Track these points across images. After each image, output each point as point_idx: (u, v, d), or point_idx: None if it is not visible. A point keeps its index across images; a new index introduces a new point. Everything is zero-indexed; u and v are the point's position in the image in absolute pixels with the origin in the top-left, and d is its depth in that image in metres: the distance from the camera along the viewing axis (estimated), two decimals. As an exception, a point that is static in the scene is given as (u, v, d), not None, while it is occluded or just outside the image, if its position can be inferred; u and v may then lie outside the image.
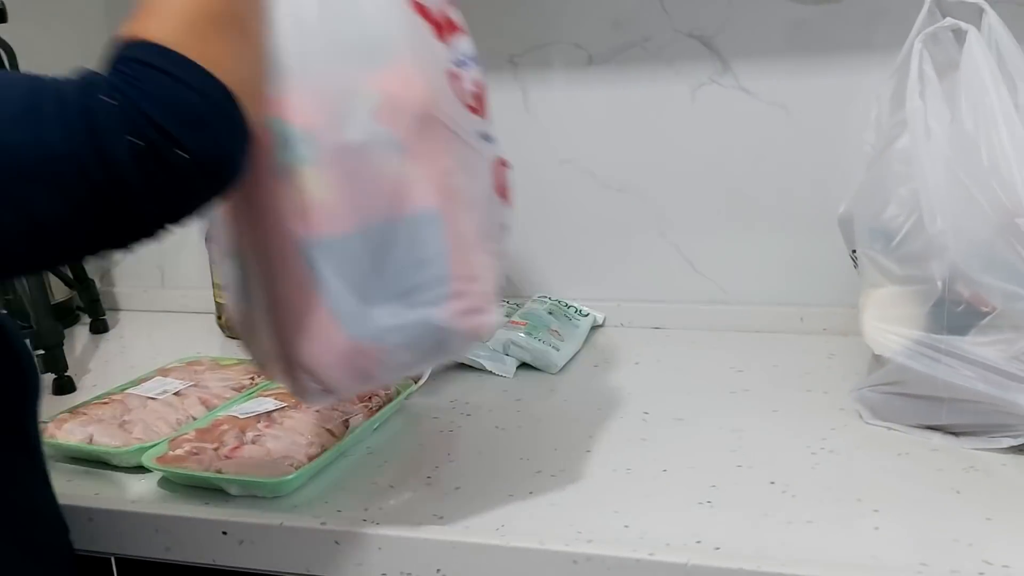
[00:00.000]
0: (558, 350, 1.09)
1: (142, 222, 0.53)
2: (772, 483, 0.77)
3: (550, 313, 1.17)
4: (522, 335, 1.09)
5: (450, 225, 0.66)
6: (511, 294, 1.28)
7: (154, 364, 1.09)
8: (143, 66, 0.51)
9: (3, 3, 1.12)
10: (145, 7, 0.55)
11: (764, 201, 1.17)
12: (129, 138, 0.50)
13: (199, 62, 0.52)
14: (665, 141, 1.19)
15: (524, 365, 1.09)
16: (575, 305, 1.22)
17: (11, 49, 1.12)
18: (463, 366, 1.09)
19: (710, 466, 0.81)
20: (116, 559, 0.82)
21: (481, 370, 1.08)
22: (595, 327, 1.23)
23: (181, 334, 1.31)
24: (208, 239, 0.75)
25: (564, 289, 1.26)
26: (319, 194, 0.62)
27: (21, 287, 1.10)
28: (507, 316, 1.15)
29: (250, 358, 0.72)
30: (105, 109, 0.50)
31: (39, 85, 0.52)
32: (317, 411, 0.88)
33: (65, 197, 0.50)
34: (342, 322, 0.64)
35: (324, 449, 0.82)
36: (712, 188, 1.19)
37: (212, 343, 1.26)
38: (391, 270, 0.65)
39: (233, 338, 1.26)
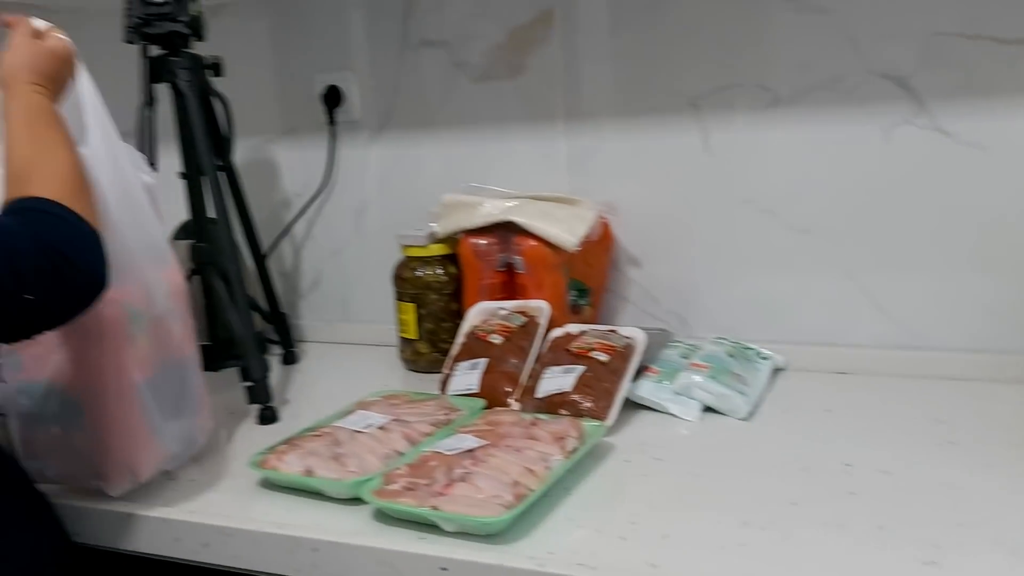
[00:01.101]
0: (743, 394, 1.08)
1: (35, 323, 0.74)
2: (1000, 543, 0.74)
3: (731, 356, 1.16)
4: (705, 379, 1.09)
5: (194, 361, 1.00)
6: (685, 334, 1.28)
7: (345, 395, 1.15)
8: (41, 213, 0.74)
9: (219, 57, 1.21)
10: (29, 178, 0.77)
11: (960, 243, 1.13)
12: (37, 262, 0.70)
13: (79, 214, 0.76)
14: (854, 182, 1.17)
15: (707, 409, 1.08)
16: (755, 347, 1.21)
17: (226, 101, 1.22)
18: (644, 408, 1.09)
19: (929, 523, 0.78)
20: (336, 587, 0.86)
21: (663, 412, 1.08)
22: (776, 371, 1.21)
23: (365, 366, 1.38)
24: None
25: (742, 330, 1.25)
26: (145, 350, 0.91)
27: (232, 322, 1.18)
28: (684, 357, 1.15)
29: (49, 474, 0.93)
30: (18, 244, 0.70)
31: None
32: (517, 451, 0.91)
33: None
34: (155, 435, 0.93)
35: (530, 489, 0.85)
36: (904, 229, 1.15)
37: (395, 376, 1.32)
38: (173, 395, 0.96)
39: (415, 371, 1.32)
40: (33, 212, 0.74)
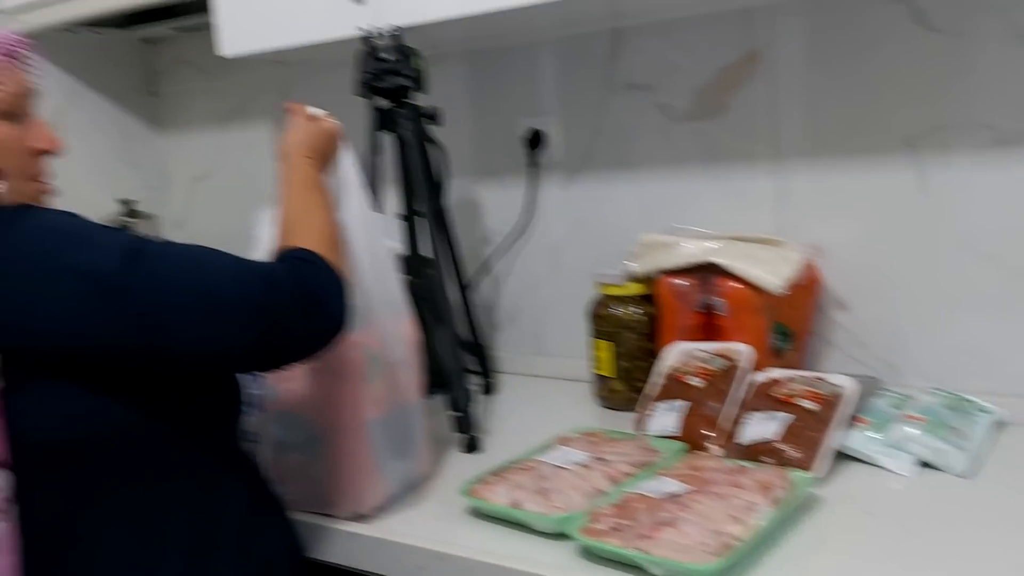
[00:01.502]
0: (962, 450, 1.02)
1: (287, 355, 0.85)
2: None
3: (949, 408, 1.10)
4: (922, 432, 1.04)
5: (420, 404, 1.08)
6: (895, 382, 1.22)
7: (542, 428, 1.18)
8: (302, 261, 0.86)
9: (438, 108, 1.30)
10: (295, 232, 0.90)
11: None
12: (295, 303, 0.81)
13: (331, 263, 0.87)
14: (1093, 227, 1.08)
15: (922, 464, 1.03)
16: (974, 400, 1.14)
17: (443, 148, 1.30)
18: (853, 459, 1.06)
19: None
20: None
21: (874, 465, 1.04)
22: (998, 425, 1.13)
23: (559, 400, 1.41)
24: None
25: (957, 380, 1.18)
26: (378, 392, 1.00)
27: (442, 354, 1.25)
28: (896, 407, 1.11)
29: (288, 498, 1.00)
30: (281, 283, 0.82)
31: (241, 262, 0.83)
32: (723, 498, 0.91)
33: (247, 330, 0.80)
34: (381, 471, 1.01)
35: (738, 539, 0.84)
36: None
37: (589, 412, 1.34)
38: (398, 437, 1.03)
39: (609, 408, 1.34)
40: (296, 260, 0.86)
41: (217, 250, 0.84)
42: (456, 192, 1.58)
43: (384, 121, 1.26)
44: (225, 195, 1.94)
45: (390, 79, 1.21)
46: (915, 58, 1.17)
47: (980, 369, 1.18)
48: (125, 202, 1.79)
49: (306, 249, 0.87)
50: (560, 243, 1.51)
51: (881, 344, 1.25)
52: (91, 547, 0.82)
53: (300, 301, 0.82)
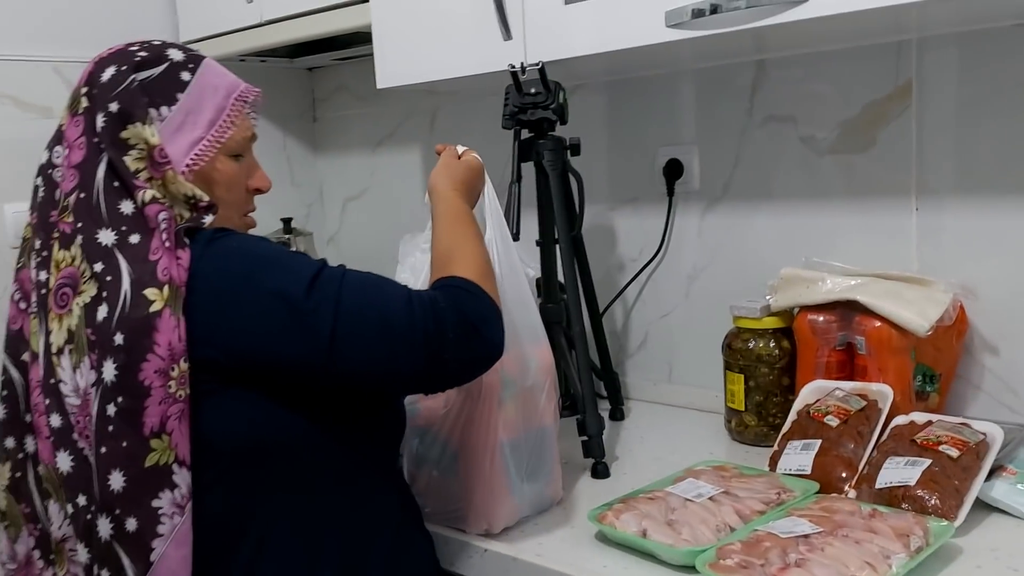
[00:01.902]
0: (1124, 511, 0.97)
1: (449, 379, 0.90)
2: None
3: (1108, 464, 1.04)
4: (1079, 488, 0.98)
5: (554, 429, 1.11)
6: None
7: (670, 458, 1.20)
8: (461, 289, 0.91)
9: (578, 139, 1.33)
10: (451, 262, 0.95)
11: None
12: (456, 329, 0.86)
13: (486, 290, 0.92)
14: None
15: (1079, 521, 0.98)
16: None
17: (581, 179, 1.33)
18: (997, 511, 1.02)
19: None
20: (665, 649, 0.91)
21: (1020, 518, 1.00)
22: None
23: (689, 431, 1.41)
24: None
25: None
26: (512, 415, 1.05)
27: (573, 379, 1.28)
28: (1048, 458, 1.05)
29: (424, 511, 1.06)
30: (444, 311, 0.87)
31: (409, 291, 0.89)
32: (856, 543, 0.90)
33: (415, 354, 0.85)
34: (512, 492, 1.06)
35: (870, 586, 0.83)
36: None
37: (719, 444, 1.34)
38: (530, 460, 1.07)
39: (740, 442, 1.33)
40: (455, 288, 0.91)
41: (388, 279, 0.91)
42: (592, 219, 1.62)
43: (527, 152, 1.31)
44: (374, 215, 2.05)
45: (534, 112, 1.26)
46: (1081, 94, 1.12)
47: None
48: (285, 220, 1.92)
49: (463, 278, 0.92)
50: (695, 272, 1.51)
51: (1035, 391, 1.19)
52: (258, 546, 0.89)
53: (461, 328, 0.87)
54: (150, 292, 0.83)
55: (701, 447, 1.31)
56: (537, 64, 1.23)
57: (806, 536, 0.92)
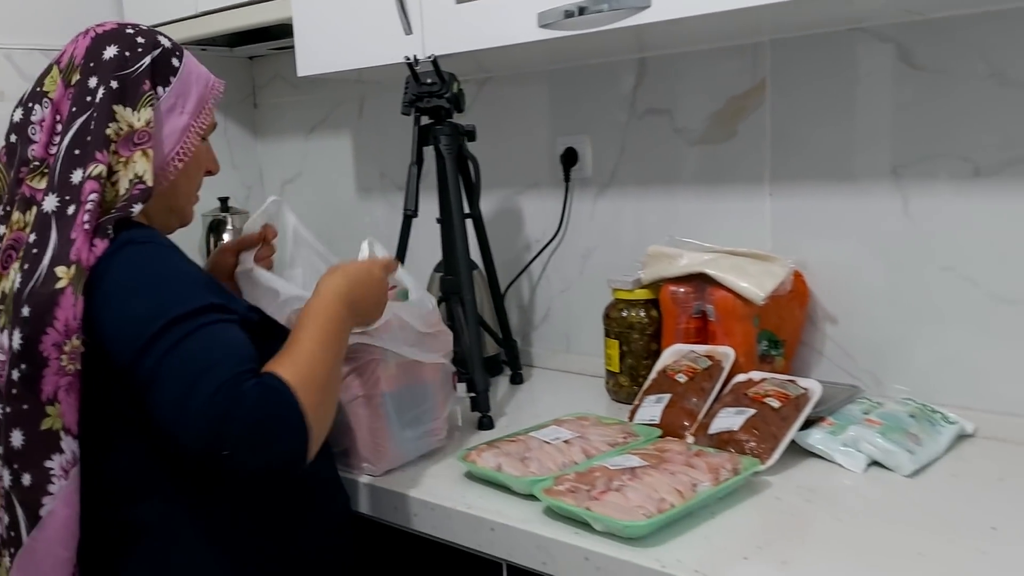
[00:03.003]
0: (912, 453, 1.12)
1: (225, 465, 0.86)
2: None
3: (912, 416, 1.19)
4: (875, 434, 1.14)
5: (436, 385, 1.25)
6: (877, 393, 1.32)
7: (551, 413, 1.34)
8: (269, 391, 0.88)
9: (473, 126, 1.47)
10: (288, 357, 0.93)
11: None
12: (246, 428, 0.86)
13: (303, 399, 0.90)
14: (1056, 255, 1.16)
15: (876, 463, 1.13)
16: (942, 411, 1.23)
17: (476, 162, 1.47)
18: (815, 456, 1.17)
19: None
20: (507, 565, 1.05)
21: (830, 461, 1.15)
22: (964, 436, 1.22)
23: (578, 392, 1.56)
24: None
25: (936, 394, 1.27)
26: (393, 371, 1.18)
27: (465, 343, 1.42)
28: (865, 413, 1.21)
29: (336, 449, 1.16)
30: (245, 411, 0.86)
31: (236, 374, 0.88)
32: (672, 474, 1.04)
33: (196, 431, 0.85)
34: (392, 438, 1.19)
35: (673, 506, 0.98)
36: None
37: (599, 403, 1.48)
38: (412, 411, 1.21)
39: (616, 401, 1.48)
40: (274, 391, 0.89)
41: (237, 354, 0.91)
42: (501, 202, 1.76)
43: (426, 137, 1.44)
44: (309, 196, 2.18)
45: (430, 100, 1.40)
46: (901, 93, 1.27)
47: (957, 385, 1.26)
48: (222, 200, 2.04)
49: (287, 383, 0.89)
50: (588, 251, 1.66)
51: (867, 357, 1.35)
52: (160, 506, 0.97)
53: (252, 432, 0.86)
54: (59, 270, 0.90)
55: (582, 406, 1.45)
56: (430, 57, 1.37)
57: (632, 468, 1.07)
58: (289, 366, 0.92)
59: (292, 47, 2.00)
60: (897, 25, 1.26)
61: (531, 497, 1.07)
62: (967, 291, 1.25)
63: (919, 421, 1.19)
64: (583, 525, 0.99)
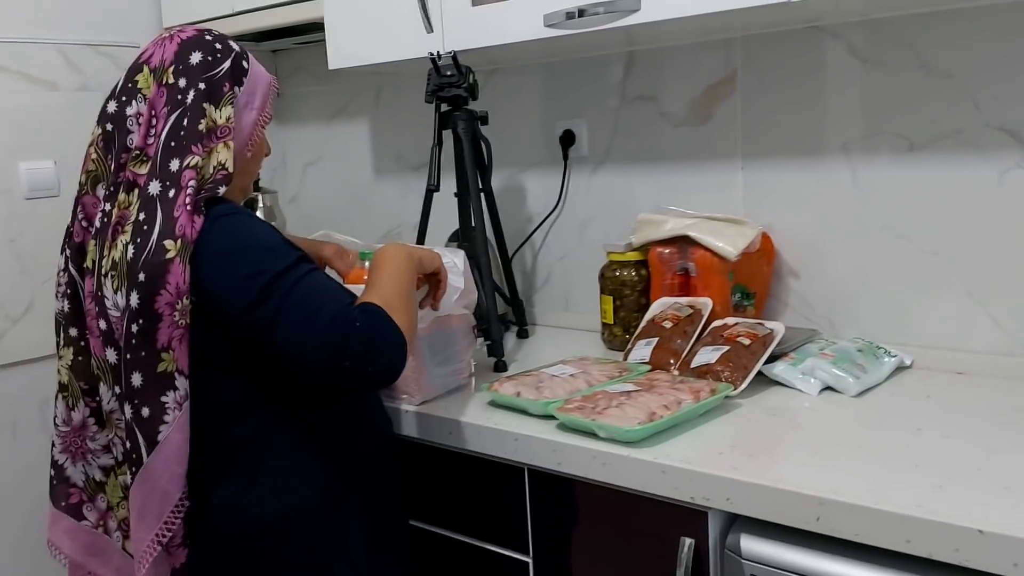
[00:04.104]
0: (857, 378, 1.36)
1: (344, 381, 1.10)
2: (999, 482, 1.00)
3: (859, 351, 1.44)
4: (828, 364, 1.38)
5: (461, 332, 1.48)
6: (832, 334, 1.56)
7: (554, 359, 1.57)
8: (379, 318, 1.10)
9: (485, 112, 1.70)
10: (373, 291, 1.16)
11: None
12: (360, 344, 1.07)
13: (396, 320, 1.11)
14: (974, 216, 1.40)
15: (828, 388, 1.37)
16: (885, 347, 1.47)
17: (488, 143, 1.70)
18: (779, 384, 1.41)
19: (947, 465, 1.05)
20: (528, 468, 1.29)
21: (791, 387, 1.39)
22: (903, 368, 1.46)
23: (576, 343, 1.79)
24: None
25: (880, 334, 1.52)
26: (427, 317, 1.37)
27: (482, 300, 1.65)
28: (821, 349, 1.45)
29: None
30: (357, 331, 1.08)
31: (343, 306, 1.10)
32: (660, 394, 1.28)
33: (321, 354, 1.07)
34: (428, 374, 1.42)
35: (662, 416, 1.22)
36: (1016, 257, 1.37)
37: (597, 351, 1.72)
38: (443, 351, 1.44)
39: (611, 349, 1.71)
40: (375, 316, 1.11)
41: (337, 291, 1.13)
42: (507, 179, 1.99)
43: (445, 122, 1.67)
44: (329, 178, 2.40)
45: (450, 90, 1.63)
46: (850, 81, 1.51)
47: (896, 326, 1.51)
48: (253, 181, 2.26)
49: (382, 309, 1.12)
50: (585, 222, 1.89)
51: (824, 305, 1.59)
52: (258, 425, 1.17)
53: (364, 348, 1.07)
54: (167, 243, 1.08)
55: (582, 353, 1.69)
56: (450, 53, 1.60)
57: (628, 392, 1.30)
58: (377, 296, 1.14)
59: (315, 42, 2.23)
60: (846, 24, 1.50)
61: (545, 418, 1.31)
62: (903, 247, 1.49)
63: (865, 354, 1.43)
64: (589, 436, 1.22)
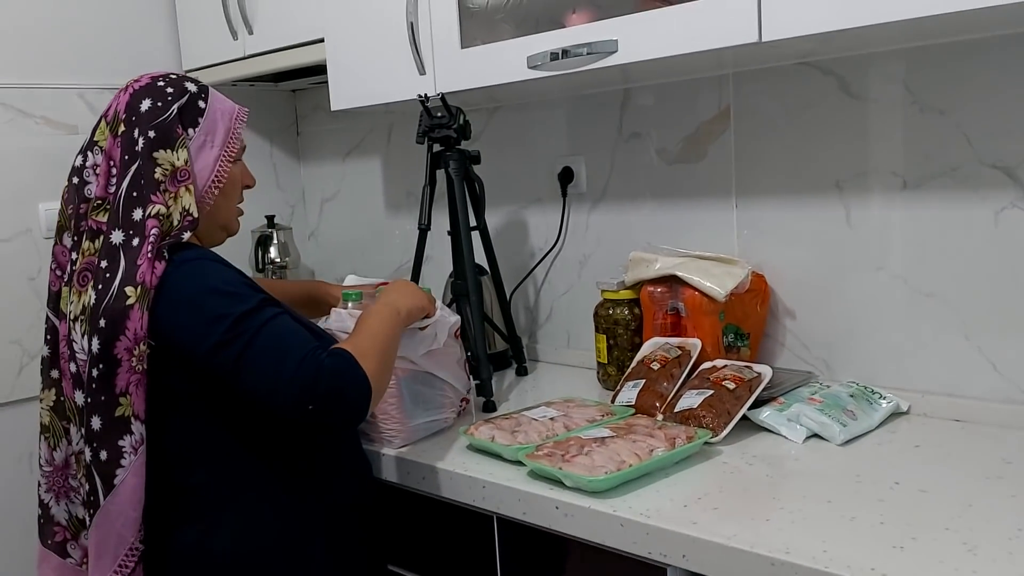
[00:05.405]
0: (844, 426, 1.31)
1: (312, 420, 1.11)
2: (964, 544, 0.95)
3: (852, 396, 1.39)
4: (814, 410, 1.33)
5: (449, 380, 1.48)
6: (829, 377, 1.51)
7: (546, 399, 1.55)
8: (347, 362, 1.13)
9: (478, 152, 1.70)
10: (357, 337, 1.20)
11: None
12: (326, 387, 1.10)
13: (364, 366, 1.13)
14: (969, 256, 1.35)
15: (816, 436, 1.33)
16: (880, 392, 1.42)
17: (481, 183, 1.70)
18: (765, 430, 1.37)
19: (918, 523, 1.00)
20: (496, 516, 1.27)
21: (777, 434, 1.35)
22: (900, 413, 1.41)
23: (574, 382, 1.77)
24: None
25: (876, 377, 1.46)
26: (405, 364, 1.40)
27: (473, 340, 1.65)
28: (812, 393, 1.40)
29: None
30: (324, 373, 1.11)
31: (311, 349, 1.13)
32: (634, 441, 1.25)
33: (288, 395, 1.10)
34: (407, 416, 1.41)
35: (631, 466, 1.19)
36: (1012, 300, 1.31)
37: (593, 391, 1.70)
38: (422, 394, 1.43)
39: (606, 388, 1.69)
40: (343, 359, 1.13)
41: (302, 336, 1.15)
42: (508, 215, 1.99)
43: (437, 162, 1.68)
44: (346, 213, 2.43)
45: (441, 131, 1.63)
46: (842, 118, 1.47)
47: (893, 369, 1.45)
48: (268, 217, 2.31)
49: (352, 354, 1.14)
50: (585, 257, 1.88)
51: (820, 346, 1.54)
52: (213, 471, 1.20)
53: (330, 390, 1.10)
54: (128, 289, 1.11)
55: (575, 393, 1.67)
56: (438, 95, 1.61)
57: (602, 438, 1.28)
58: (350, 344, 1.17)
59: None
60: (836, 59, 1.46)
61: (519, 463, 1.29)
62: (898, 287, 1.44)
63: (857, 400, 1.38)
64: (558, 483, 1.20)
